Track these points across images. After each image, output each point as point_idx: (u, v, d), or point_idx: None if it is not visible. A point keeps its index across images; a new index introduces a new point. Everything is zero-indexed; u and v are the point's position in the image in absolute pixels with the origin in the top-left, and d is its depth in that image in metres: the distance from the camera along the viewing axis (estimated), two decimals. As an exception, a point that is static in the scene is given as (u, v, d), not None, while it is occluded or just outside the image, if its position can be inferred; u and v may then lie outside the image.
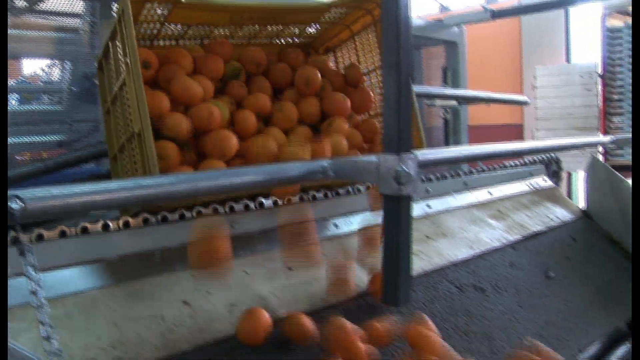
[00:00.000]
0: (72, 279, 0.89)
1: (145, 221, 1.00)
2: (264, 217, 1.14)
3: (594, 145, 1.82)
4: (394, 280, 0.81)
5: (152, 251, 0.99)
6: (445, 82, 2.87)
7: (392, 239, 0.80)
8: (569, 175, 6.35)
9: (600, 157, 7.46)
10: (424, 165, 0.95)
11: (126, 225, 0.98)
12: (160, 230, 1.01)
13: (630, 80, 6.35)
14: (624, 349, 1.60)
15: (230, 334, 0.93)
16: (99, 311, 0.88)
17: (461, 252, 1.35)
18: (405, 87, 0.78)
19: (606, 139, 1.75)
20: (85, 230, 0.92)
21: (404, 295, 0.81)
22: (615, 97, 7.15)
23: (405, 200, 0.79)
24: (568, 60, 7.39)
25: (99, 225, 0.94)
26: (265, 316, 0.94)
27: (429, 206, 1.43)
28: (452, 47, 3.00)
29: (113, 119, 1.23)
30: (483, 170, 1.74)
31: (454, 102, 2.66)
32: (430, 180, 1.50)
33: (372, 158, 0.81)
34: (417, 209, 1.40)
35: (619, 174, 1.90)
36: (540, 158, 2.00)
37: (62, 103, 2.38)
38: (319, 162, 0.87)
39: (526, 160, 1.94)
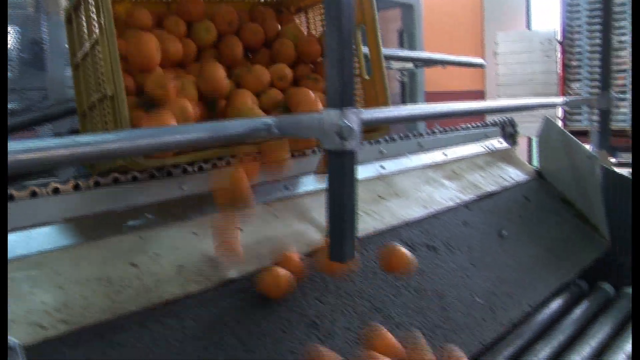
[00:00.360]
0: (17, 242, 0.87)
1: (97, 184, 0.98)
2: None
3: (547, 107, 1.84)
4: (339, 236, 0.81)
5: (99, 214, 0.98)
6: (401, 46, 2.86)
7: (336, 194, 0.80)
8: (530, 140, 6.45)
9: (560, 123, 7.59)
10: (371, 123, 0.95)
11: (76, 187, 0.96)
12: (109, 192, 1.00)
13: (588, 47, 6.45)
14: (582, 306, 1.65)
15: (179, 295, 0.93)
16: (44, 275, 0.86)
17: (414, 212, 1.36)
18: (347, 41, 0.77)
19: (559, 100, 1.77)
20: (34, 194, 0.90)
21: (349, 251, 0.82)
22: (574, 63, 7.24)
23: (349, 155, 0.79)
24: (528, 26, 7.45)
25: (50, 189, 0.92)
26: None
27: (382, 167, 1.43)
28: (408, 10, 2.98)
29: (83, 75, 1.18)
30: (439, 132, 1.74)
31: (410, 65, 2.67)
32: (385, 141, 1.50)
33: (316, 114, 0.80)
34: (371, 170, 1.40)
35: (572, 136, 1.93)
36: (495, 120, 2.02)
37: (12, 71, 2.31)
38: (263, 120, 0.86)
39: (483, 122, 1.96)
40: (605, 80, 1.91)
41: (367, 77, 1.33)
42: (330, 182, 0.81)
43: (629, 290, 1.74)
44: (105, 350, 0.80)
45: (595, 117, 9.75)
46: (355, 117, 0.78)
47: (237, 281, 1.00)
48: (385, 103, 1.30)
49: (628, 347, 1.36)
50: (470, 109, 1.20)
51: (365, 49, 1.32)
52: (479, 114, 1.23)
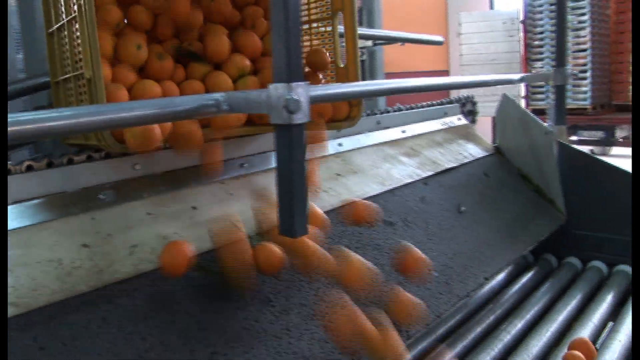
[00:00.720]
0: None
1: (49, 165, 0.96)
2: (168, 158, 1.11)
3: (504, 83, 1.86)
4: (289, 211, 0.81)
5: (51, 195, 0.96)
6: (360, 24, 2.85)
7: (285, 169, 0.80)
8: (494, 120, 6.52)
9: (522, 102, 7.68)
10: (322, 100, 0.95)
11: (29, 168, 0.94)
12: (62, 173, 0.98)
13: (550, 27, 6.54)
14: (527, 276, 1.70)
15: (132, 274, 0.92)
16: (-9, 258, 0.84)
17: (371, 188, 1.37)
18: (294, 12, 0.77)
19: (516, 76, 1.78)
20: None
21: (300, 226, 0.81)
22: (536, 43, 7.33)
23: (297, 129, 0.78)
24: (491, 6, 7.51)
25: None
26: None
27: (340, 145, 1.43)
28: (367, -12, 2.97)
29: (58, 46, 1.14)
30: (398, 110, 1.75)
31: (369, 43, 2.66)
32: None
33: (264, 89, 0.80)
34: (329, 147, 1.40)
35: (529, 112, 1.95)
36: (455, 98, 2.03)
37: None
38: (212, 96, 0.85)
39: (442, 100, 1.98)
40: (560, 56, 1.94)
41: (341, 64, 1.32)
42: (279, 156, 0.80)
43: (573, 260, 1.80)
44: (55, 332, 0.79)
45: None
46: (303, 90, 0.77)
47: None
48: (356, 79, 1.30)
49: (595, 317, 1.42)
50: (424, 85, 1.20)
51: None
52: (433, 90, 1.23)
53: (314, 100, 0.84)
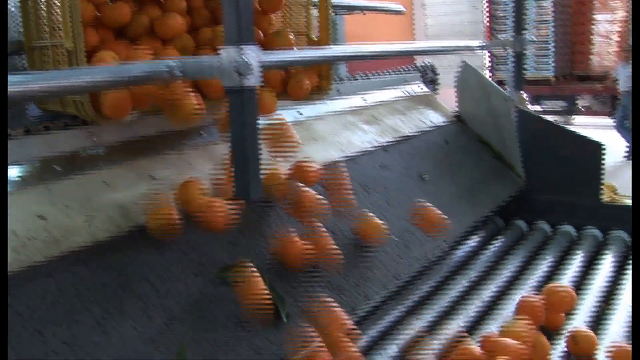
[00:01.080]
0: None
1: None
2: (125, 128, 1.10)
3: (463, 49, 1.87)
4: (244, 175, 0.81)
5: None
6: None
7: (239, 133, 0.80)
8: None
9: (487, 74, 7.75)
10: (275, 66, 0.94)
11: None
12: (18, 143, 0.96)
13: (513, -4, 6.56)
14: (499, 241, 1.73)
15: (89, 244, 0.91)
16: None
17: (331, 155, 1.37)
18: (243, -25, 0.76)
19: (475, 43, 1.79)
20: None
21: (255, 189, 0.82)
22: (500, 14, 7.38)
23: (248, 92, 0.78)
24: (455, -23, 7.50)
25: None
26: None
27: (300, 113, 1.43)
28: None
29: (34, 10, 1.10)
30: (359, 78, 1.75)
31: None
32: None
33: (216, 55, 0.80)
34: (288, 115, 1.39)
35: (489, 79, 1.97)
36: (416, 66, 2.04)
37: None
38: (165, 62, 0.84)
39: (402, 68, 1.98)
40: (518, 24, 1.96)
41: (314, 38, 1.31)
42: (232, 120, 0.80)
43: (542, 224, 1.83)
44: (11, 304, 0.79)
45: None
46: (254, 53, 0.77)
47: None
48: (329, 67, 1.31)
49: (537, 273, 1.45)
50: (381, 51, 1.20)
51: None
52: (392, 56, 1.23)
53: (267, 66, 0.84)
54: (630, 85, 7.71)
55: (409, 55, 1.40)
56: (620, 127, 8.03)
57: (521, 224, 1.84)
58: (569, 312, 1.25)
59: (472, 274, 1.46)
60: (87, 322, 0.82)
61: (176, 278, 0.93)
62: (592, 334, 1.14)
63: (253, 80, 0.77)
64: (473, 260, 1.53)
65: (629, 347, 1.06)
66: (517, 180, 1.85)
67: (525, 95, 1.98)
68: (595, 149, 1.81)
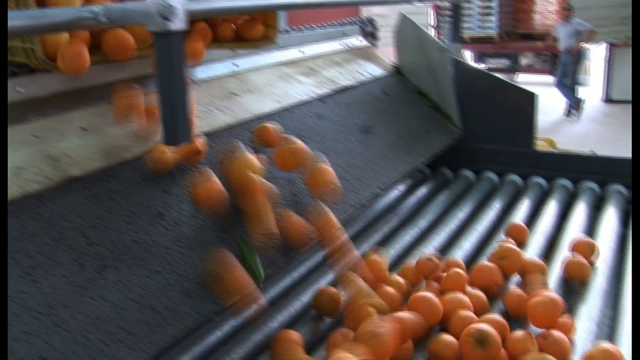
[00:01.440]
0: None
1: None
2: (55, 79, 1.08)
3: (401, 2, 1.89)
4: (171, 120, 0.81)
5: None
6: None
7: (166, 77, 0.79)
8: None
9: (432, 31, 7.77)
10: (200, 14, 0.93)
11: None
12: None
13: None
14: (424, 188, 1.78)
15: (19, 196, 0.90)
16: None
17: (267, 106, 1.37)
18: None
19: (412, -5, 1.80)
20: None
21: (183, 134, 0.82)
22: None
23: (174, 36, 0.77)
24: None
25: None
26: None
27: (235, 65, 1.42)
28: None
29: None
30: (296, 30, 1.75)
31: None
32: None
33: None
34: (224, 67, 1.38)
35: (425, 30, 1.99)
36: (354, 19, 2.05)
37: None
38: (89, 8, 0.82)
39: (341, 20, 1.98)
40: (455, -25, 1.97)
41: None
42: (159, 65, 0.80)
43: (489, 174, 1.89)
44: None
45: (467, 23, 10.03)
46: (177, -4, 0.76)
47: (81, 179, 0.98)
48: (275, 16, 1.31)
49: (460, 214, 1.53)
50: (322, 2, 1.21)
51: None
52: (325, 6, 1.23)
53: (193, 15, 0.83)
54: (569, 43, 7.92)
55: (347, 5, 1.40)
56: (559, 85, 8.24)
57: (446, 171, 1.92)
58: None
59: (395, 219, 1.53)
60: (15, 272, 0.81)
61: (108, 227, 0.92)
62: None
63: (178, 23, 0.77)
64: (399, 206, 1.60)
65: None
66: (453, 130, 1.89)
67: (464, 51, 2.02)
68: (529, 99, 1.87)
